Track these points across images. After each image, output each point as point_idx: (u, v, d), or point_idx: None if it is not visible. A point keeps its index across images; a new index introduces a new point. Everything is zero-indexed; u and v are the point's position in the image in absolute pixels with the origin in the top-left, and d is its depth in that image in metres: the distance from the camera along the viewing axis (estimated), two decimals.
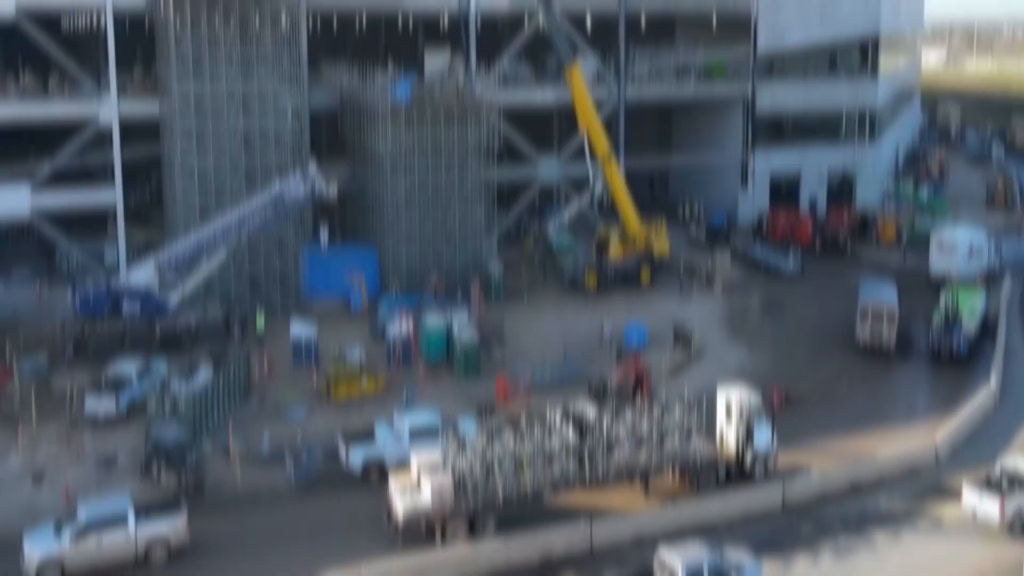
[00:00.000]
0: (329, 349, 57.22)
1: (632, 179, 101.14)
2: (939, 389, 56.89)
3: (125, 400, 50.17)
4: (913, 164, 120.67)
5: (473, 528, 38.29)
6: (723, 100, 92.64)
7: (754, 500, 43.14)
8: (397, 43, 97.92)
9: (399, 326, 57.16)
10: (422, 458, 39.22)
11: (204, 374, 49.91)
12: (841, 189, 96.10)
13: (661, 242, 74.40)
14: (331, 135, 77.37)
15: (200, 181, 63.52)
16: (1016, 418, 52.40)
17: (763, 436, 43.54)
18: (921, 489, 45.38)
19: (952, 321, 59.83)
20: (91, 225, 71.12)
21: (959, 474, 45.61)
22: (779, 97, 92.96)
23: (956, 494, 43.48)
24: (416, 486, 38.43)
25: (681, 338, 61.36)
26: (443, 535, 37.89)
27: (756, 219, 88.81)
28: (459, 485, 37.98)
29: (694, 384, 53.53)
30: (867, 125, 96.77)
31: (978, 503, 41.66)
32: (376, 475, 44.41)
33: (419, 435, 45.12)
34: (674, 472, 42.80)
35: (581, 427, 40.51)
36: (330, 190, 59.60)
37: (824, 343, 63.45)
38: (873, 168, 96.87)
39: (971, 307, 62.01)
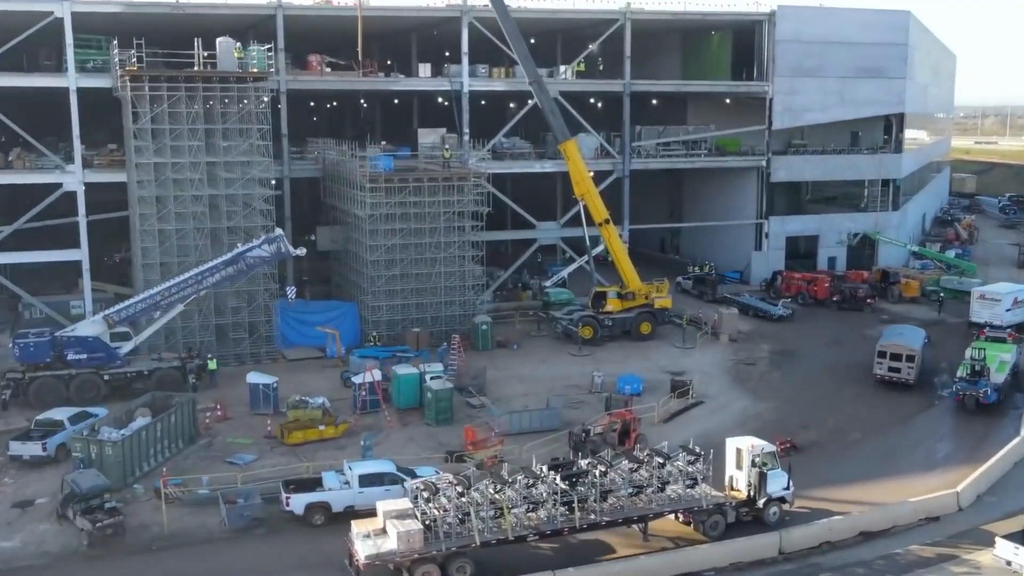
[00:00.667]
0: (294, 396, 52.56)
1: (643, 239, 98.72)
2: (962, 438, 51.10)
3: (54, 445, 46.00)
4: (942, 229, 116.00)
5: (447, 573, 35.03)
6: (736, 168, 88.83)
7: (752, 547, 37.75)
8: (397, 122, 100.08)
9: (366, 374, 52.53)
10: (388, 503, 36.63)
11: (141, 419, 45.78)
12: (862, 251, 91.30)
13: (664, 297, 69.60)
14: (316, 200, 77.87)
15: (162, 241, 61.54)
16: None
17: (778, 480, 40.20)
18: (942, 537, 39.64)
19: (979, 370, 54.21)
20: (63, 279, 72.38)
21: (984, 522, 39.97)
22: (796, 168, 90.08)
23: (981, 542, 37.74)
24: (381, 530, 35.34)
25: (679, 386, 56.06)
26: None
27: (770, 276, 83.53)
28: (431, 529, 35.04)
29: (692, 432, 48.55)
30: (890, 194, 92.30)
31: (1014, 555, 36.28)
32: (321, 519, 40.13)
33: (370, 483, 40.69)
34: (677, 516, 39.73)
35: (572, 474, 37.58)
36: (297, 251, 57.47)
37: (837, 392, 57.89)
38: (896, 231, 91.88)
39: (1001, 358, 56.58)
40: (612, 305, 68.19)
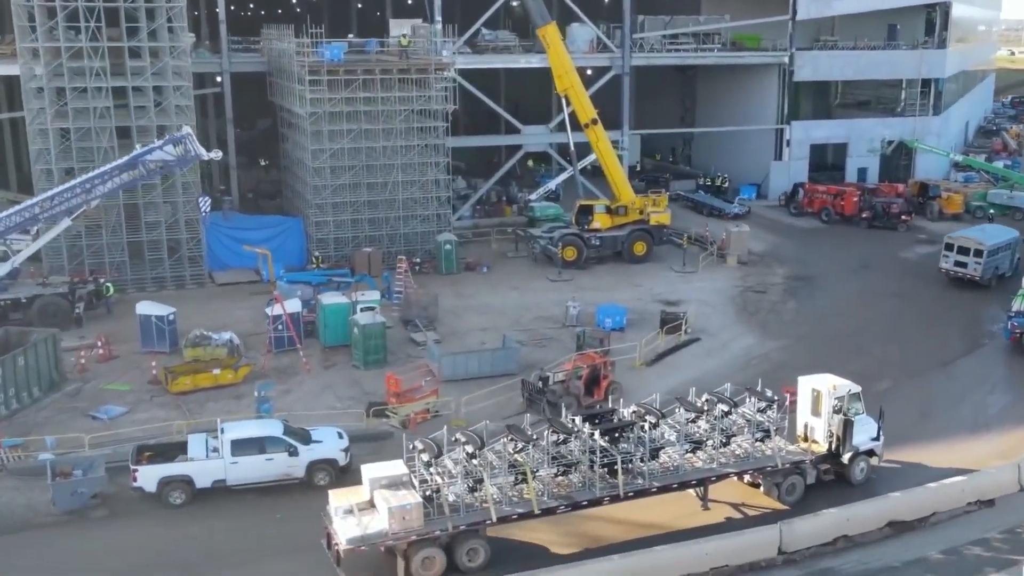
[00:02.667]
0: (194, 331, 43.02)
1: (652, 147, 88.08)
2: (1021, 389, 40.85)
3: None
4: (986, 140, 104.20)
5: (453, 559, 26.86)
6: (755, 65, 77.11)
7: (742, 546, 28.04)
8: (370, 15, 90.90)
9: (275, 304, 42.77)
10: (376, 470, 27.77)
11: None
12: (896, 162, 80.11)
13: (661, 212, 59.15)
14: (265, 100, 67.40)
15: (57, 143, 51.01)
16: None
17: (866, 429, 32.23)
18: (1001, 529, 30.01)
19: None
20: None
21: None
22: (823, 66, 78.30)
23: None
24: (367, 504, 27.06)
25: (670, 320, 46.01)
26: (407, 568, 26.49)
27: (790, 189, 72.71)
28: (432, 501, 26.86)
29: (682, 378, 38.88)
30: (931, 96, 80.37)
31: None
32: (181, 498, 30.99)
33: (246, 450, 31.32)
34: (742, 477, 31.55)
35: (614, 428, 29.26)
36: (211, 154, 46.91)
37: (863, 329, 47.58)
38: (937, 139, 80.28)
39: None
40: (600, 221, 57.91)
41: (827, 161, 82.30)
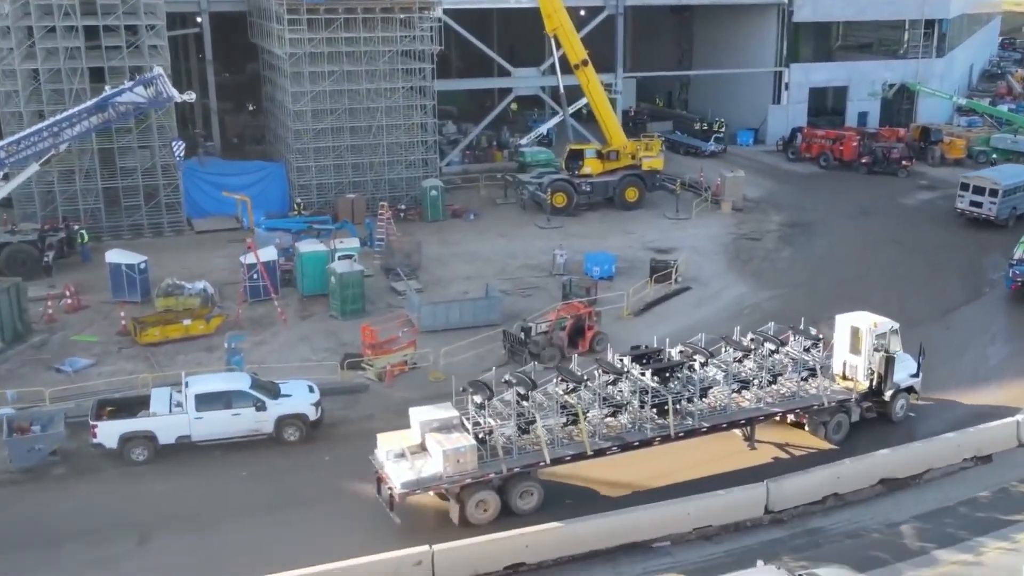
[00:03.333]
0: (167, 280, 41.58)
1: (650, 91, 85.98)
2: (1023, 340, 39.45)
3: None
4: (991, 84, 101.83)
5: (507, 501, 26.65)
6: (753, 5, 74.61)
7: (726, 505, 26.80)
8: None
9: (249, 252, 41.22)
10: (425, 413, 27.36)
11: None
12: (899, 106, 78.04)
13: (654, 157, 57.27)
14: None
15: (27, 84, 49.12)
16: None
17: (905, 366, 32.10)
18: (999, 486, 28.86)
19: None
20: None
21: None
22: (823, 6, 75.59)
23: None
24: (419, 447, 26.66)
25: (659, 268, 44.50)
26: (462, 512, 26.21)
27: (788, 134, 70.77)
28: (484, 444, 26.49)
29: (670, 328, 37.44)
30: (935, 37, 77.94)
31: None
32: (143, 454, 29.73)
33: (211, 404, 29.89)
34: (785, 417, 30.93)
35: (664, 367, 28.90)
36: (184, 96, 44.94)
37: (860, 278, 46.03)
38: (941, 82, 78.01)
39: None
40: (590, 167, 56.14)
41: (827, 105, 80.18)
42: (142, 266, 41.84)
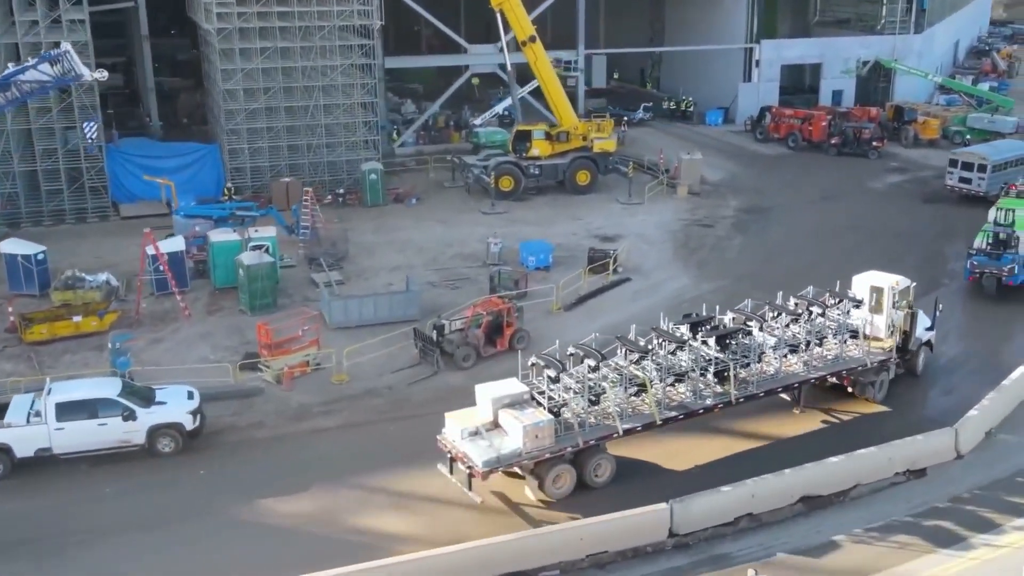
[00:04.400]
0: (67, 271, 39.00)
1: (621, 68, 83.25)
2: (976, 338, 36.88)
3: None
4: (977, 61, 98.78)
5: (581, 475, 26.51)
6: None
7: (626, 529, 24.28)
8: None
9: (153, 244, 38.55)
10: (494, 390, 26.74)
11: None
12: (875, 84, 75.21)
13: (606, 138, 54.49)
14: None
15: None
16: None
17: (923, 321, 32.70)
18: (931, 504, 26.28)
19: (1004, 239, 39.59)
20: None
21: (999, 478, 27.06)
22: None
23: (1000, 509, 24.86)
24: (492, 424, 26.29)
25: (598, 258, 41.92)
26: (541, 486, 26.02)
27: (757, 112, 67.98)
28: (558, 417, 26.15)
29: (602, 323, 35.20)
30: (912, 12, 74.98)
31: None
32: (1, 470, 27.42)
33: (74, 414, 27.42)
34: (826, 379, 30.68)
35: (725, 334, 29.02)
36: (95, 74, 42.15)
37: (811, 269, 43.20)
38: (919, 59, 75.03)
39: None
40: (539, 148, 53.42)
41: (805, 83, 77.43)
42: (40, 257, 39.30)
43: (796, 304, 30.90)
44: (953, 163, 52.99)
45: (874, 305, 31.68)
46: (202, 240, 41.33)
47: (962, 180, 52.26)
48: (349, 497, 26.58)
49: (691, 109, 72.60)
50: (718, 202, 53.11)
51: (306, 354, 33.30)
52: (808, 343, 29.74)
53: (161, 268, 38.33)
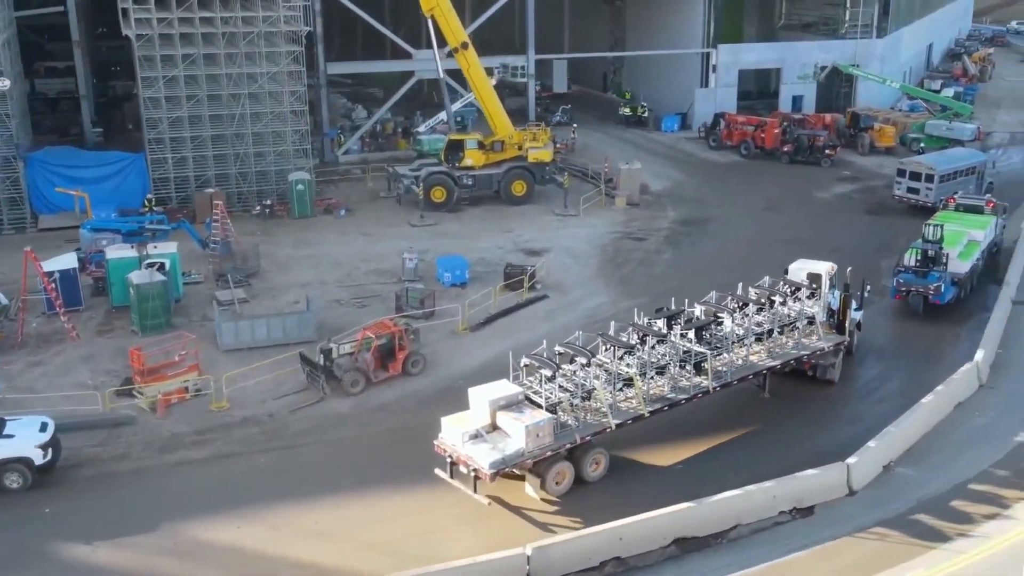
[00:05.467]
0: None
1: (583, 75, 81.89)
2: (898, 362, 35.37)
3: None
4: (953, 64, 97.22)
5: (579, 471, 26.93)
6: None
7: None
8: None
9: (35, 262, 36.98)
10: (488, 392, 26.81)
11: None
12: (837, 90, 73.70)
13: (541, 148, 52.85)
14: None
15: None
16: (1009, 418, 30.79)
17: (852, 304, 33.76)
18: (817, 543, 24.74)
19: (933, 256, 38.01)
20: None
21: (893, 515, 25.52)
22: None
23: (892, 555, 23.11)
24: (490, 427, 26.45)
25: (514, 275, 40.40)
26: (543, 484, 26.33)
27: (711, 119, 66.43)
28: (556, 417, 26.63)
29: (508, 344, 33.72)
30: (874, 15, 73.38)
31: None
32: None
33: None
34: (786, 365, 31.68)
35: (702, 326, 29.79)
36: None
37: (738, 283, 41.69)
38: (881, 64, 73.38)
39: (971, 237, 40.58)
40: (472, 158, 51.91)
41: (770, 88, 75.87)
42: None
43: (757, 295, 31.41)
44: (901, 173, 51.62)
45: (809, 291, 32.49)
46: (101, 256, 39.74)
47: (910, 190, 50.90)
48: (198, 538, 25.02)
49: (646, 115, 71.02)
50: (656, 213, 51.57)
51: (184, 380, 31.74)
52: (771, 331, 30.82)
53: (55, 285, 36.75)
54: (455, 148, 51.88)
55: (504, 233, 48.23)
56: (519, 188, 52.36)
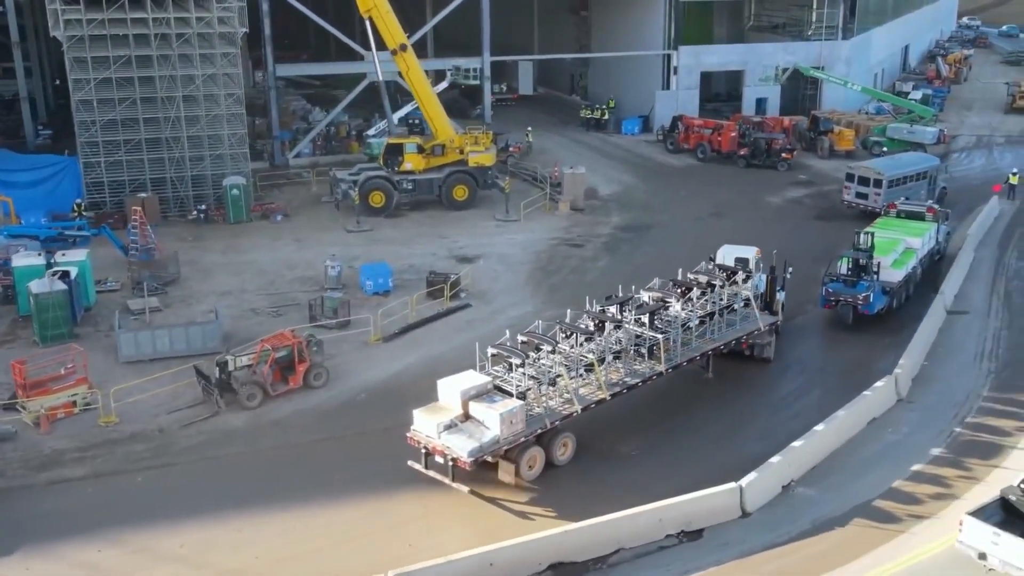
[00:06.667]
0: None
1: (550, 76, 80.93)
2: (822, 378, 34.31)
3: None
4: (929, 65, 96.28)
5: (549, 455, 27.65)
6: None
7: None
8: None
9: None
10: (457, 383, 27.24)
11: None
12: (803, 92, 72.68)
13: (482, 152, 51.79)
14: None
15: None
16: (922, 434, 29.71)
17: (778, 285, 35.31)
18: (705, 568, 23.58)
19: (863, 265, 36.91)
20: None
21: (789, 538, 24.56)
22: None
23: None
24: (463, 416, 26.80)
25: (436, 283, 39.35)
26: (517, 471, 26.83)
27: (670, 122, 65.35)
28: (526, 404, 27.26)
29: (421, 356, 34.09)
30: (840, 16, 72.20)
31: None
32: None
33: None
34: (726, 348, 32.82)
35: (653, 310, 30.94)
36: None
37: None
38: (848, 66, 72.25)
39: (908, 244, 39.45)
40: (412, 163, 50.84)
41: (739, 90, 74.62)
42: None
43: (697, 279, 32.69)
44: (850, 178, 50.55)
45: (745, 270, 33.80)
46: (8, 263, 38.72)
47: (859, 195, 49.86)
48: (54, 562, 23.97)
49: (606, 118, 69.96)
50: (600, 219, 50.51)
51: (72, 393, 30.66)
52: (712, 314, 31.80)
53: None
54: (394, 152, 50.84)
55: (440, 239, 47.19)
56: (461, 193, 51.31)
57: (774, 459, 26.76)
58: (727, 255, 35.64)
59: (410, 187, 50.75)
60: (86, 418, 30.57)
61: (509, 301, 39.82)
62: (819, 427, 28.47)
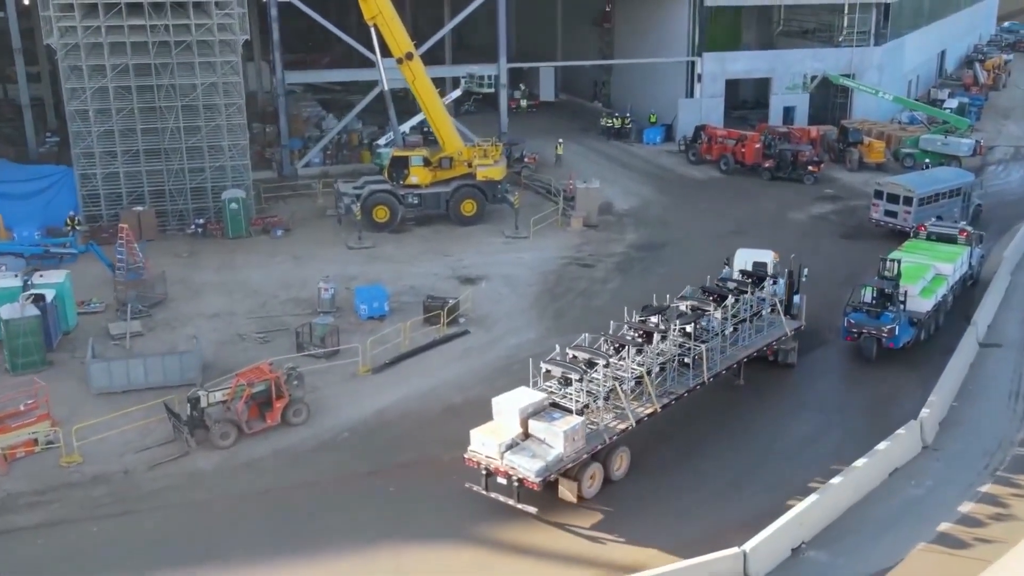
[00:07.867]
0: None
1: (573, 82, 78.87)
2: (842, 417, 31.80)
3: None
4: (967, 71, 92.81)
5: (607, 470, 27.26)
6: None
7: None
8: None
9: None
10: (514, 400, 26.69)
11: None
12: (833, 100, 69.81)
13: (491, 165, 49.56)
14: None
15: None
16: (948, 488, 27.17)
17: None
18: None
19: (889, 294, 34.36)
20: None
21: None
22: None
23: None
24: (523, 435, 26.26)
25: (433, 308, 37.21)
26: (579, 489, 26.41)
27: (691, 132, 62.86)
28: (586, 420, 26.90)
29: (411, 390, 32.21)
30: (872, 21, 69.29)
31: None
32: None
33: None
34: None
35: (694, 318, 30.92)
36: None
37: None
38: (880, 73, 69.32)
39: (938, 270, 36.84)
40: (417, 176, 48.72)
41: (767, 97, 71.86)
42: None
43: (725, 286, 32.70)
44: (878, 195, 47.94)
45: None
46: None
47: (888, 213, 47.24)
48: None
49: (628, 127, 67.56)
50: (614, 236, 48.19)
51: (32, 431, 28.77)
52: (743, 321, 31.68)
53: None
54: (399, 165, 48.74)
55: (443, 257, 45.07)
56: (469, 207, 49.15)
57: (779, 521, 24.32)
58: (744, 259, 35.38)
59: (416, 201, 48.69)
60: (48, 457, 28.71)
61: (510, 327, 37.61)
62: (835, 480, 26.00)
